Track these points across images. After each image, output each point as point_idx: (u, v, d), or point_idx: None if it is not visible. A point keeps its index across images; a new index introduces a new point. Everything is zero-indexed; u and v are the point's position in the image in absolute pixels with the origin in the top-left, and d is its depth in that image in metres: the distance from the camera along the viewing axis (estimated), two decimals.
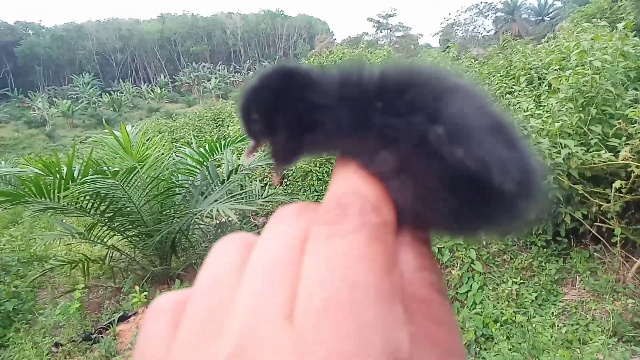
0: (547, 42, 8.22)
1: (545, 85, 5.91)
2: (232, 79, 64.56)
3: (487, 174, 0.25)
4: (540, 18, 57.44)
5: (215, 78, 58.47)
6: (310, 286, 0.22)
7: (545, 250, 5.05)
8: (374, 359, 0.20)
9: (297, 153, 0.34)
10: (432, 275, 0.27)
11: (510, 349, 3.60)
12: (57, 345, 4.42)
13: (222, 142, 5.87)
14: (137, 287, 5.07)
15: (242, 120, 0.35)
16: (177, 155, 6.54)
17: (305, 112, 0.31)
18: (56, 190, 4.86)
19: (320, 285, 0.22)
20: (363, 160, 0.29)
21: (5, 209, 6.94)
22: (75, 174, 4.91)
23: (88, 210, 5.26)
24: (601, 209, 4.27)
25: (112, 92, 54.70)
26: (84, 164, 4.93)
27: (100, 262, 5.93)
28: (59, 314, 4.97)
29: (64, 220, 6.13)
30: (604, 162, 4.12)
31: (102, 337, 4.46)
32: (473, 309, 4.60)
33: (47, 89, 68.53)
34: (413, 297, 0.25)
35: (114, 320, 4.71)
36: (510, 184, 0.25)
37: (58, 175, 4.84)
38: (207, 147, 5.77)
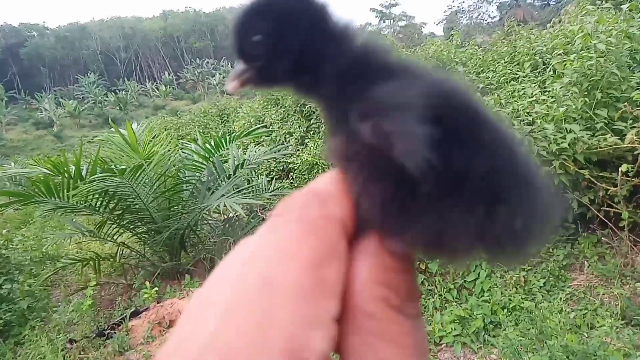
0: (552, 26, 8.14)
1: (550, 71, 5.87)
2: None
3: (390, 148, 0.23)
4: (546, 2, 56.61)
5: (220, 74, 58.42)
6: (234, 280, 0.23)
7: (552, 236, 5.04)
8: (269, 356, 0.20)
9: (280, 84, 0.32)
10: (388, 291, 0.25)
11: (517, 335, 3.61)
12: (71, 341, 4.50)
13: (228, 138, 5.90)
14: (147, 283, 5.13)
15: (238, 38, 0.32)
16: (183, 152, 6.58)
17: (314, 55, 0.29)
18: (65, 190, 4.93)
19: (239, 279, 0.23)
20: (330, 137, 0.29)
21: (16, 209, 7.03)
22: (84, 173, 4.97)
23: (97, 209, 5.33)
24: (608, 193, 4.25)
25: (117, 91, 54.91)
26: (92, 162, 4.99)
27: (111, 260, 6.00)
28: (72, 311, 5.05)
29: (74, 219, 6.20)
30: (610, 146, 4.10)
31: (114, 332, 4.53)
32: (481, 297, 4.62)
33: (53, 89, 68.92)
34: (359, 309, 0.24)
35: (126, 316, 4.78)
36: (410, 161, 0.22)
37: (67, 175, 4.91)
38: (212, 143, 5.81)
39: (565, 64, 4.86)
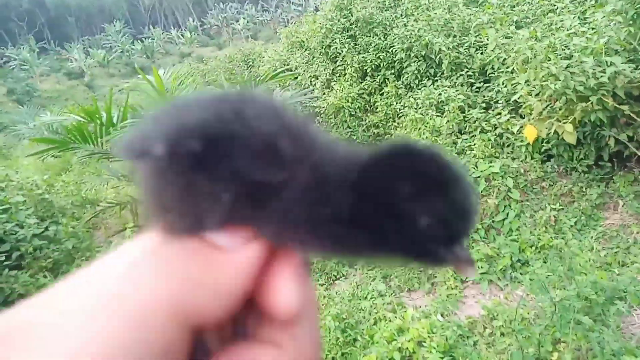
0: None
1: (592, 0, 5.48)
2: (260, 19, 62.92)
3: None
4: None
5: (244, 18, 57.14)
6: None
7: (586, 175, 4.92)
8: None
9: None
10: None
11: (545, 272, 3.63)
12: None
13: (253, 82, 5.86)
14: None
15: None
16: None
17: None
18: (99, 136, 5.07)
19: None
20: None
21: (55, 156, 7.33)
22: (115, 120, 5.08)
23: None
24: None
25: (143, 39, 54.71)
26: (122, 110, 5.08)
27: None
28: None
29: (109, 165, 6.42)
30: None
31: None
32: (509, 236, 4.62)
33: (81, 39, 69.26)
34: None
35: None
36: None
37: (99, 122, 5.03)
38: (238, 88, 5.79)
39: None
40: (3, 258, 4.71)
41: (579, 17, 5.19)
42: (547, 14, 6.11)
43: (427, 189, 0.27)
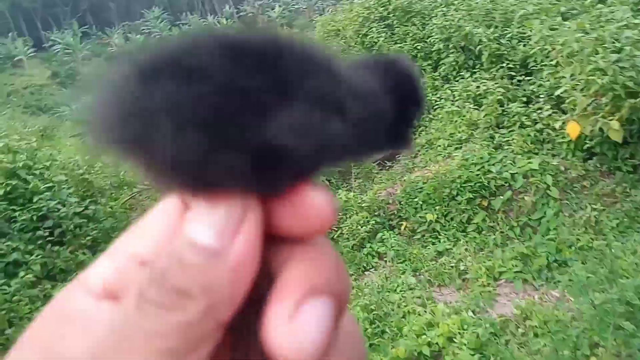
0: None
1: None
2: (296, 7, 62.85)
3: None
4: None
5: (279, 6, 57.21)
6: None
7: (631, 175, 4.71)
8: None
9: None
10: None
11: (585, 273, 3.51)
12: None
13: None
14: None
15: None
16: None
17: None
18: None
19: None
20: None
21: None
22: None
23: None
24: None
25: (181, 25, 55.57)
26: None
27: None
28: None
29: None
30: None
31: None
32: (546, 235, 4.49)
33: (121, 25, 70.94)
34: None
35: None
36: None
37: None
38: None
39: None
40: (47, 234, 4.94)
41: (631, 9, 4.94)
42: (596, 5, 5.84)
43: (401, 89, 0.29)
